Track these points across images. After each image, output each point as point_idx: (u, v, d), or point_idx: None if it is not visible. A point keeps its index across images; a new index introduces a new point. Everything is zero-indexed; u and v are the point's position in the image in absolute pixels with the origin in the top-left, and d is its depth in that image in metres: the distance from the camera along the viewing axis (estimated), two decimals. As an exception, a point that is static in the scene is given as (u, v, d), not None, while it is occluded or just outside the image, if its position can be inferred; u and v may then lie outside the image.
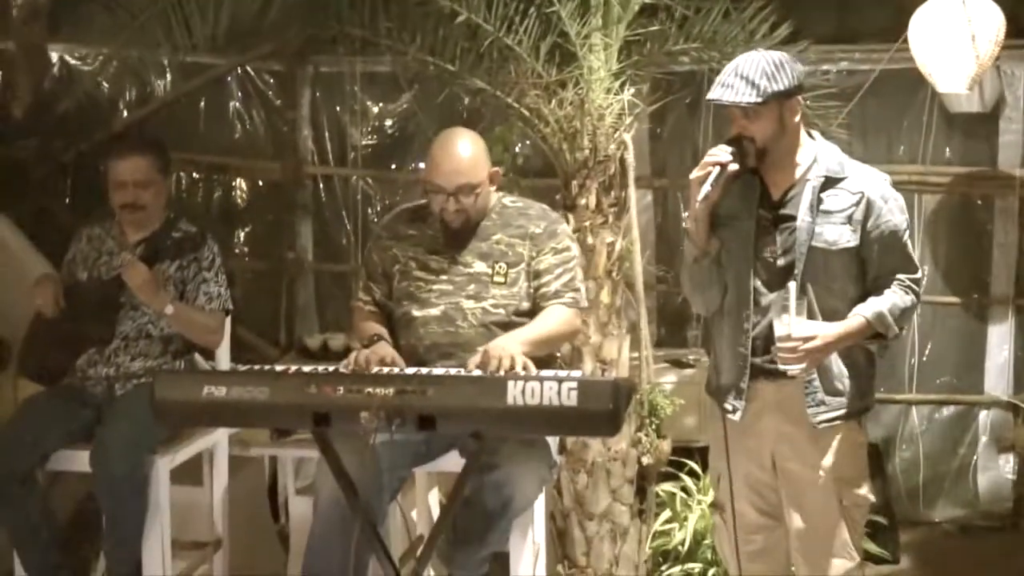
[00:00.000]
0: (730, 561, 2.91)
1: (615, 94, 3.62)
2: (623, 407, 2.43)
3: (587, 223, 3.61)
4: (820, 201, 2.64)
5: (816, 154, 2.69)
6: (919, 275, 2.74)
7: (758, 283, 2.68)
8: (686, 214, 3.05)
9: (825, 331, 2.57)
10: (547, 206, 3.16)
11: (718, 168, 2.58)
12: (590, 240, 3.61)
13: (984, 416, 5.04)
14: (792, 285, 2.57)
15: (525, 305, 2.94)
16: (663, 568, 3.83)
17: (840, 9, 5.03)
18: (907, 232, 2.72)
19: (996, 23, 4.02)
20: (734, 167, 2.59)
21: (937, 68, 4.07)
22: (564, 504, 3.68)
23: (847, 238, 2.63)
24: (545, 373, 2.54)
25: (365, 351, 2.79)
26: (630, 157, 3.75)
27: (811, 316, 2.60)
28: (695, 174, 2.62)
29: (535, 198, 3.25)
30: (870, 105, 4.99)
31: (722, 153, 2.59)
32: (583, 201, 3.62)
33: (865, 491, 2.77)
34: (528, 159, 4.91)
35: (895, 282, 2.67)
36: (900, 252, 2.70)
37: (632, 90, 3.67)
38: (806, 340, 2.53)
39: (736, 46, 3.71)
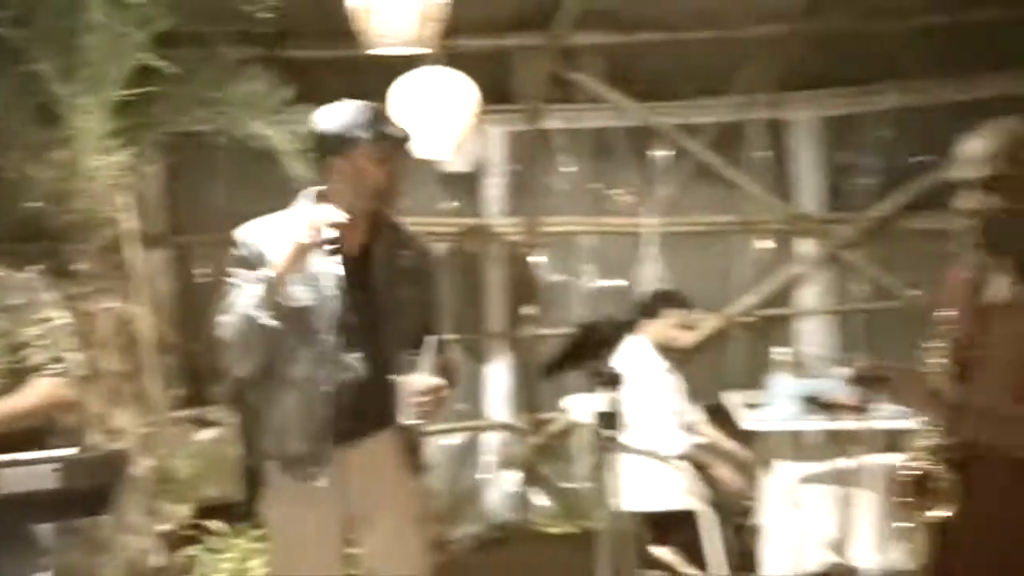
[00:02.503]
0: None
1: (110, 154, 3.37)
2: (114, 483, 2.23)
3: (85, 289, 3.31)
4: (397, 258, 2.58)
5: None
6: None
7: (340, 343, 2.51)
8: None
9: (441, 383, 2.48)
10: (33, 274, 2.83)
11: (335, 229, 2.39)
12: (89, 306, 3.31)
13: (489, 438, 5.37)
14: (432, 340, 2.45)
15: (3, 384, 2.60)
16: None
17: (344, 74, 5.13)
18: None
19: (471, 95, 4.31)
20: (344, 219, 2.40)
21: (417, 137, 4.27)
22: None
23: (418, 295, 2.62)
24: (23, 456, 2.25)
25: None
26: (131, 220, 3.52)
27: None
28: (313, 236, 2.37)
29: (28, 264, 2.90)
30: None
31: (333, 217, 2.38)
32: (80, 266, 3.32)
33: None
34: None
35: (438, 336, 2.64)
36: (438, 307, 2.77)
37: (129, 151, 3.44)
38: (437, 391, 2.44)
39: (243, 109, 3.65)
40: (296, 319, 2.45)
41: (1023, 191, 1.85)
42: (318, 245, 2.39)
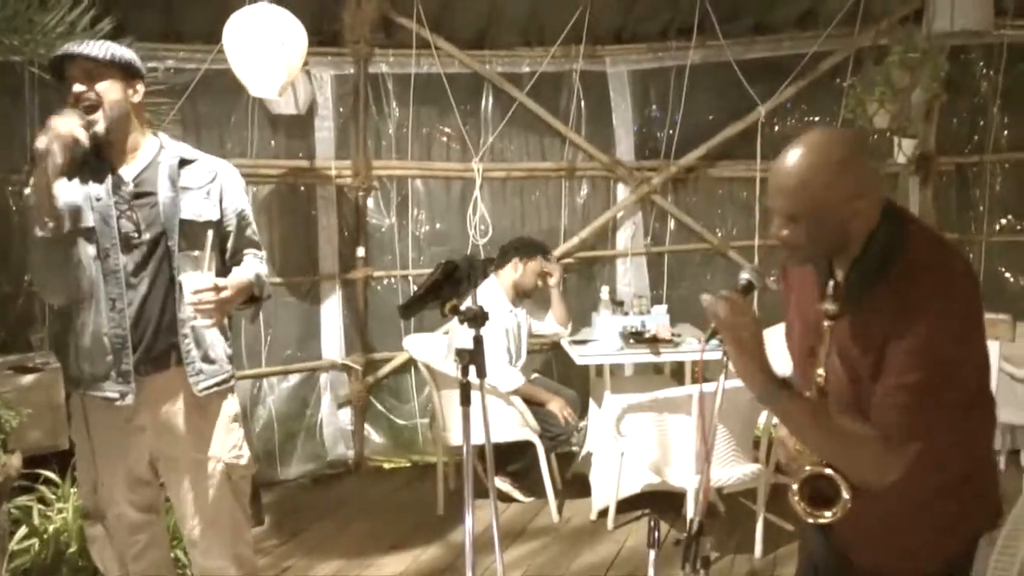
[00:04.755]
0: (111, 568, 2.63)
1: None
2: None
3: None
4: (179, 178, 2.55)
5: (161, 142, 2.61)
6: (263, 253, 2.75)
7: (127, 261, 2.48)
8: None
9: (231, 282, 2.47)
10: None
11: (72, 137, 2.35)
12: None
13: (324, 378, 5.23)
14: (208, 242, 2.44)
15: None
16: (25, 587, 3.32)
17: (165, 10, 4.77)
18: (250, 213, 2.73)
19: (300, 36, 4.11)
20: (82, 135, 2.38)
21: (249, 74, 4.05)
22: None
23: (210, 212, 2.57)
24: None
25: None
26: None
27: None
28: (45, 144, 2.32)
29: None
30: (200, 103, 4.86)
31: (75, 123, 2.37)
32: None
33: (247, 459, 2.68)
34: None
35: (252, 256, 2.66)
36: (251, 230, 2.71)
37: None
38: (218, 290, 2.40)
39: (57, 38, 3.31)
40: (85, 237, 2.45)
41: (824, 212, 1.78)
42: (58, 151, 2.33)
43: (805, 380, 1.99)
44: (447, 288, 2.28)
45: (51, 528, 3.30)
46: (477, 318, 2.26)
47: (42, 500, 3.39)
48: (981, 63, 5.27)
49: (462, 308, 2.28)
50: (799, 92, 5.32)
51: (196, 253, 2.41)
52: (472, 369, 2.30)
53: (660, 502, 4.27)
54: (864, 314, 1.82)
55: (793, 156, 1.81)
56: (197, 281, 2.38)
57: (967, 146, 5.41)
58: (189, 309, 2.40)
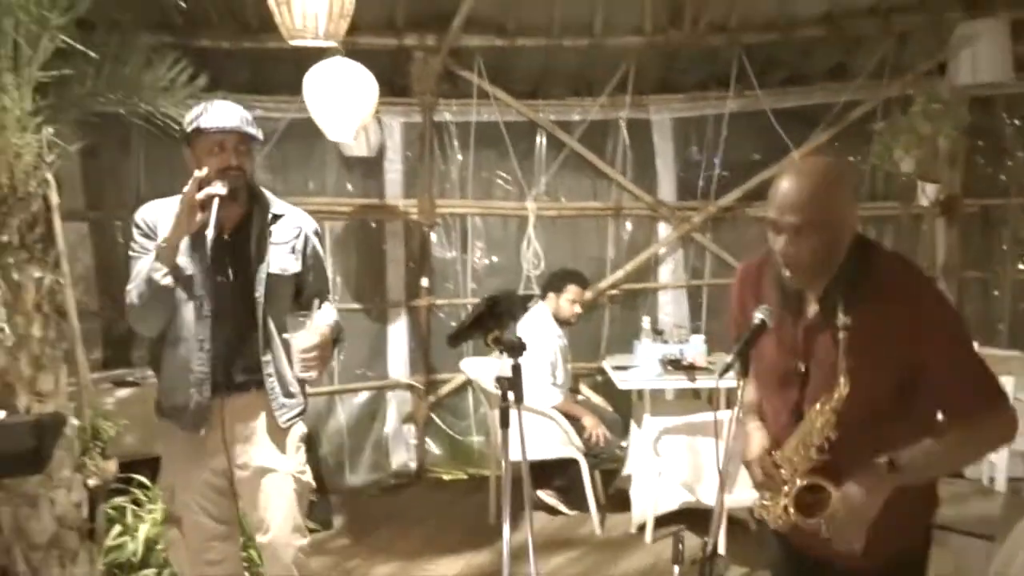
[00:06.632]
0: (185, 571, 2.67)
1: (32, 132, 3.09)
2: (49, 442, 2.06)
3: (11, 260, 3.03)
4: (270, 234, 2.58)
5: (257, 197, 2.62)
6: (334, 297, 2.79)
7: (217, 307, 2.52)
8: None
9: (325, 337, 2.51)
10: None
11: (217, 199, 2.39)
12: (16, 276, 3.02)
13: (390, 395, 5.29)
14: (314, 302, 2.54)
15: None
16: (117, 580, 3.40)
17: (253, 66, 4.93)
18: (324, 261, 2.78)
19: (372, 87, 4.20)
20: (222, 192, 2.41)
21: (327, 121, 4.15)
22: (5, 540, 3.07)
23: (293, 266, 2.61)
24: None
25: None
26: (53, 195, 3.25)
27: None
28: (189, 199, 2.38)
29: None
30: (285, 148, 4.99)
31: (219, 186, 2.41)
32: (5, 238, 3.03)
33: (309, 476, 2.72)
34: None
35: (327, 304, 2.68)
36: (324, 277, 2.75)
37: (51, 129, 3.17)
38: (323, 349, 2.47)
39: (157, 93, 3.43)
40: (183, 285, 2.48)
41: (825, 232, 1.80)
42: (199, 210, 2.38)
43: (779, 404, 1.96)
44: (490, 320, 2.29)
45: (142, 528, 3.38)
46: (515, 348, 2.27)
47: (135, 502, 3.47)
48: (1004, 112, 5.14)
49: (503, 339, 2.29)
50: (830, 138, 5.24)
51: (301, 318, 2.48)
52: (518, 393, 2.29)
53: (699, 519, 4.20)
54: (854, 326, 1.81)
55: (800, 175, 1.83)
56: (304, 340, 2.45)
57: (993, 187, 5.27)
58: (298, 366, 2.47)
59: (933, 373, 1.79)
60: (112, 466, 3.33)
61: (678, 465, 4.00)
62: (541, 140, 5.32)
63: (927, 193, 4.78)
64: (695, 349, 4.61)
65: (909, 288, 1.82)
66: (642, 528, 4.27)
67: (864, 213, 4.97)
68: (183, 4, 4.10)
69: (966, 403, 1.81)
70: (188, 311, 2.50)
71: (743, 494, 3.66)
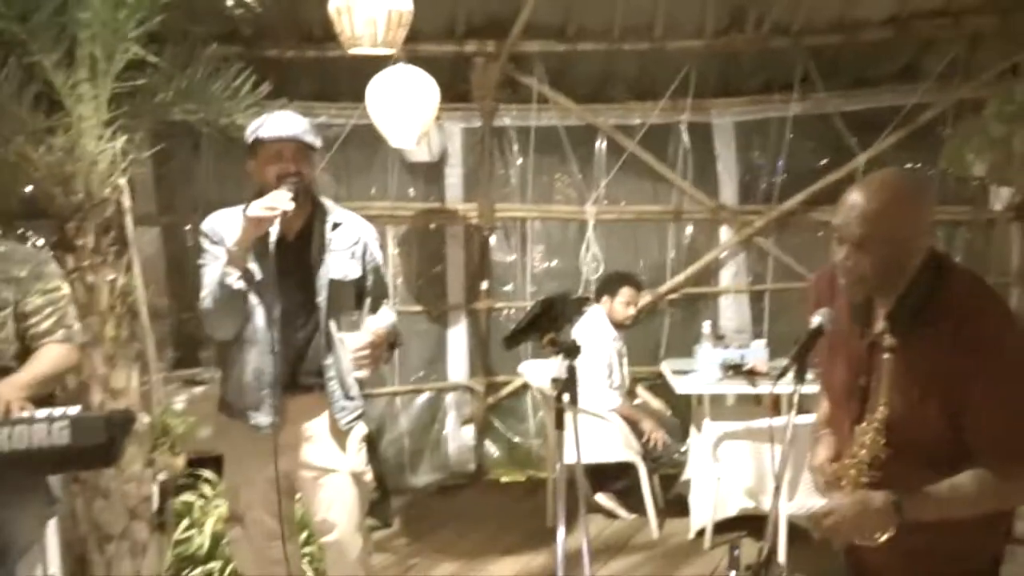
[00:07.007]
0: (247, 568, 2.74)
1: (107, 141, 3.21)
2: (120, 438, 2.14)
3: (87, 263, 3.15)
4: (331, 241, 2.63)
5: (318, 205, 2.68)
6: (392, 301, 2.87)
7: (286, 312, 2.58)
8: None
9: (379, 335, 2.57)
10: (36, 247, 2.72)
11: (281, 211, 2.45)
12: (91, 278, 3.15)
13: (450, 397, 5.33)
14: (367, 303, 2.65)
15: (14, 348, 2.48)
16: (185, 573, 3.50)
17: (317, 73, 5.03)
18: (383, 267, 2.82)
19: (434, 93, 4.25)
20: (289, 207, 2.47)
21: (389, 127, 4.21)
22: (81, 531, 3.20)
23: (354, 272, 2.65)
24: (39, 413, 2.16)
25: None
26: (126, 200, 3.38)
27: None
28: (260, 213, 2.44)
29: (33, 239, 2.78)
30: (349, 153, 5.08)
31: (285, 200, 2.46)
32: (81, 242, 3.16)
33: (370, 476, 2.78)
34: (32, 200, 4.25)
35: (385, 306, 2.73)
36: (384, 281, 2.80)
37: (125, 138, 3.29)
38: (375, 347, 2.54)
39: (224, 101, 3.53)
40: (254, 290, 2.54)
41: (887, 249, 1.75)
42: (267, 220, 2.43)
43: (842, 416, 1.91)
44: (545, 322, 2.30)
45: (208, 522, 3.48)
46: (570, 350, 2.27)
47: (203, 496, 3.58)
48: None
49: (558, 341, 2.30)
50: (898, 142, 5.11)
51: (355, 317, 2.56)
52: (573, 396, 2.30)
53: (762, 527, 4.12)
54: (914, 347, 1.76)
55: (870, 188, 1.78)
56: (357, 340, 2.51)
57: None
58: (350, 363, 2.53)
59: (978, 407, 1.70)
60: (181, 462, 3.44)
61: (739, 471, 3.95)
62: (601, 144, 5.30)
63: (1000, 197, 4.63)
64: (756, 354, 4.55)
65: (974, 313, 1.74)
66: (701, 534, 4.22)
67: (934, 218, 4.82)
68: (255, 11, 4.17)
69: (1004, 449, 1.71)
70: (258, 315, 2.56)
71: (806, 501, 3.63)
